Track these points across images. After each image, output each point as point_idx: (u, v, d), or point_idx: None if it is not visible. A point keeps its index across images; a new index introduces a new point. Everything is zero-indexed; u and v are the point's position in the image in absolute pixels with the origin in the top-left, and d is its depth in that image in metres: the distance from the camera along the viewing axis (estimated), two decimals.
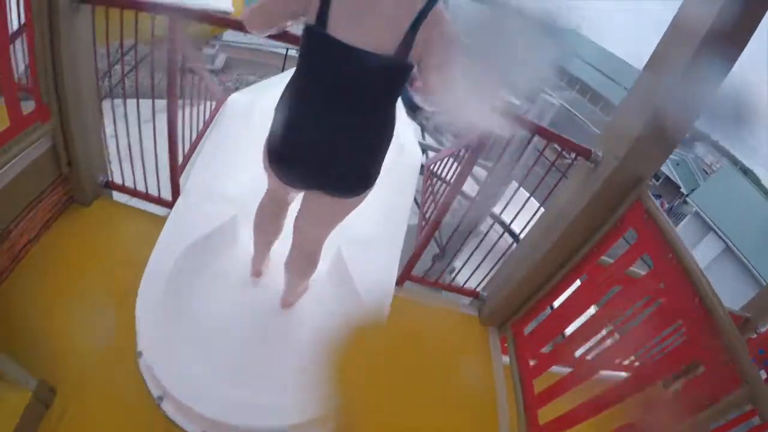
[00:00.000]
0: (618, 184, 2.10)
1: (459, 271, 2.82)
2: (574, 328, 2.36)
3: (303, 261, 2.08)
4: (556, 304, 2.54)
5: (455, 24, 1.46)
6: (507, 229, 2.56)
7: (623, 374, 2.50)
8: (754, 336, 3.34)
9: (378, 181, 1.70)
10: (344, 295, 2.28)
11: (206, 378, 1.75)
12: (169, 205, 2.60)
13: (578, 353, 2.39)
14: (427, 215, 3.16)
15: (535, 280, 2.50)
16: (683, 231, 21.04)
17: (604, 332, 2.37)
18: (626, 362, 2.85)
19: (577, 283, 2.44)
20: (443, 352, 2.63)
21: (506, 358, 2.68)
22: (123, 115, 2.43)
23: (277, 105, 1.62)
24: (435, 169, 4.00)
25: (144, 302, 1.85)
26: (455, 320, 2.83)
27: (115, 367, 1.92)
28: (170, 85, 2.26)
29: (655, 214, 2.00)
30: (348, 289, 2.26)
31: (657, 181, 26.35)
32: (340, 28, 1.41)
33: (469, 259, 2.94)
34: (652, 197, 2.07)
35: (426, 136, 8.85)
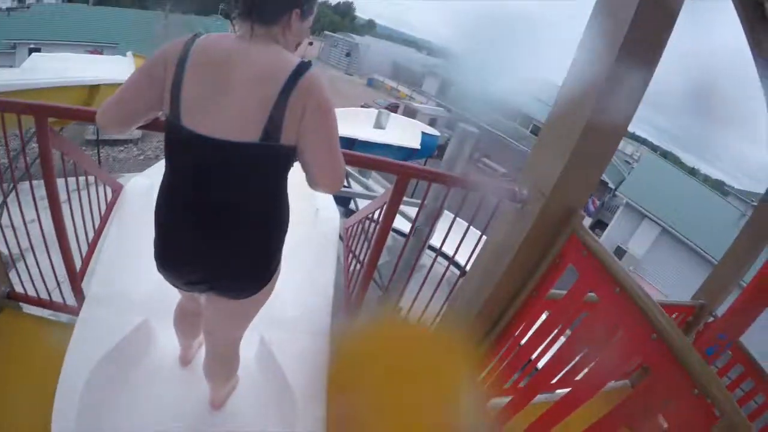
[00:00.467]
0: (549, 220, 2.00)
1: (409, 310, 2.63)
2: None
3: (218, 365, 1.90)
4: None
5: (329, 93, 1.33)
6: (451, 260, 2.42)
7: None
8: (711, 320, 3.35)
9: (294, 255, 1.56)
10: (275, 386, 2.14)
11: None
12: (75, 311, 2.36)
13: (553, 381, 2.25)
14: (356, 267, 2.97)
15: (484, 322, 2.34)
16: (618, 223, 21.94)
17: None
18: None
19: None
20: None
21: None
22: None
23: (156, 201, 1.43)
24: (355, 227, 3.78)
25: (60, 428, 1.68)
26: None
27: None
28: (49, 188, 2.04)
29: (593, 247, 1.91)
30: (277, 377, 2.12)
31: None
32: (193, 117, 1.27)
33: (417, 295, 2.73)
34: (587, 229, 1.98)
35: (350, 181, 8.78)
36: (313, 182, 1.44)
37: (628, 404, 1.79)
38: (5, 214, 2.17)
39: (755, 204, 3.42)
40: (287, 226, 1.50)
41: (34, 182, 2.09)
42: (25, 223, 2.23)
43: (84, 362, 1.88)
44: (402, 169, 2.06)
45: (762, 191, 3.31)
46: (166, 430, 1.92)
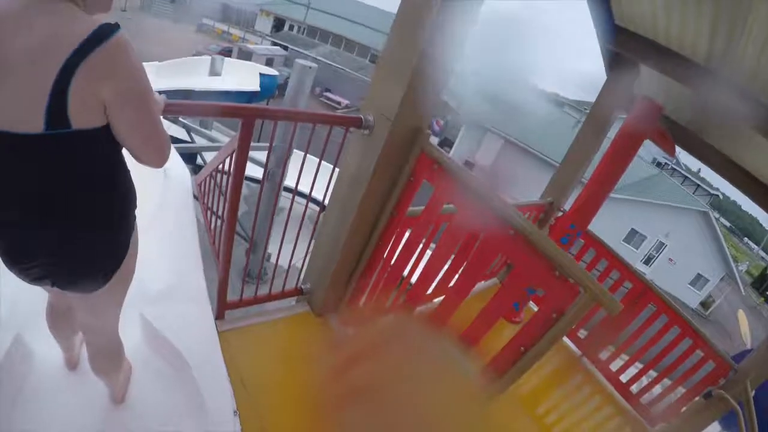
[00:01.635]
0: (398, 142, 2.06)
1: (278, 255, 2.60)
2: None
3: (103, 358, 1.73)
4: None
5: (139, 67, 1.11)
6: (309, 198, 2.41)
7: None
8: (560, 214, 3.75)
9: (150, 222, 1.43)
10: (171, 361, 2.03)
11: None
12: None
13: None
14: (217, 223, 2.85)
15: (352, 252, 2.43)
16: (463, 140, 23.29)
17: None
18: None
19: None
20: (295, 360, 2.40)
21: None
22: None
23: None
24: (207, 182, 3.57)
25: None
26: (293, 326, 2.64)
27: None
28: None
29: (443, 161, 2.00)
30: (171, 352, 2.02)
31: None
32: None
33: (283, 238, 2.68)
34: (435, 146, 2.07)
35: (193, 136, 8.34)
36: (136, 159, 1.25)
37: (500, 296, 1.95)
38: None
39: (587, 111, 3.80)
40: (130, 207, 1.34)
41: None
42: None
43: None
44: (245, 111, 1.95)
45: (592, 100, 3.64)
46: None
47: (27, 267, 1.27)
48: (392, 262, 2.39)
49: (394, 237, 2.33)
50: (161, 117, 1.33)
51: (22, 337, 1.90)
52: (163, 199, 2.57)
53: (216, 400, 1.93)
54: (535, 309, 2.50)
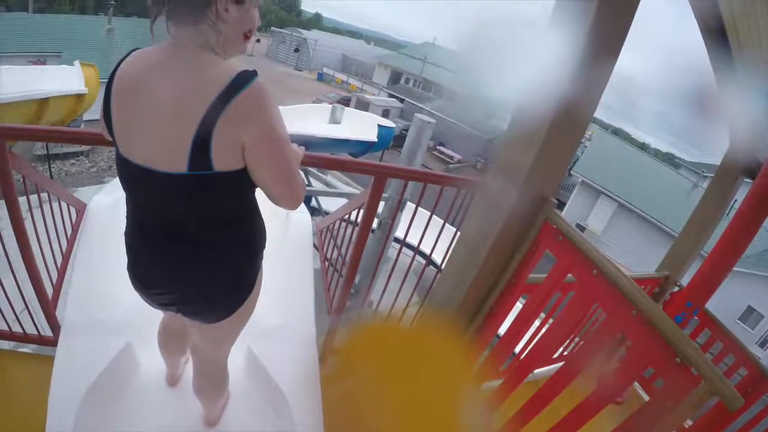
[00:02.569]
0: (522, 210, 2.04)
1: (378, 303, 2.65)
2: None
3: (207, 384, 1.85)
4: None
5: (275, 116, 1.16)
6: (416, 251, 2.45)
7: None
8: (677, 290, 3.49)
9: (269, 261, 1.51)
10: (269, 396, 2.11)
11: None
12: (51, 342, 2.26)
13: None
14: (335, 269, 2.94)
15: (465, 312, 2.35)
16: (576, 201, 22.50)
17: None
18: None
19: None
20: None
21: None
22: None
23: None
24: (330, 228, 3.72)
25: None
26: None
27: None
28: (13, 213, 1.93)
29: (567, 232, 1.97)
30: (270, 387, 2.10)
31: None
32: (127, 145, 1.18)
33: (385, 288, 2.76)
34: (560, 215, 2.04)
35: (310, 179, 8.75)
36: (271, 200, 1.30)
37: (613, 379, 1.84)
38: None
39: (706, 175, 3.58)
40: (259, 247, 1.43)
41: None
42: None
43: (70, 397, 1.81)
44: (379, 169, 2.05)
45: (712, 162, 3.43)
46: None
47: (155, 294, 1.40)
48: (504, 327, 2.34)
49: (510, 303, 2.29)
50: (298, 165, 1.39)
51: (132, 345, 2.08)
52: (284, 240, 2.69)
53: None
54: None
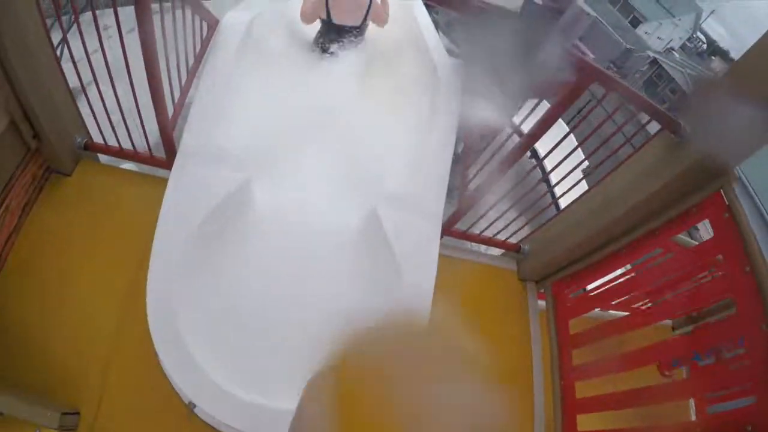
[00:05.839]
0: (700, 166, 1.74)
1: (494, 221, 2.47)
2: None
3: None
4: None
5: None
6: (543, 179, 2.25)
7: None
8: None
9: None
10: (383, 269, 1.97)
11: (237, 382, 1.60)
12: (164, 164, 2.15)
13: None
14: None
15: (591, 243, 2.24)
16: None
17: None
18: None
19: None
20: (481, 307, 2.46)
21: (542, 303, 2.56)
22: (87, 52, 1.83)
23: None
24: None
25: (156, 301, 1.64)
26: (492, 274, 2.59)
27: (136, 370, 1.83)
28: (143, 24, 1.59)
29: (737, 214, 1.69)
30: (387, 260, 1.95)
31: None
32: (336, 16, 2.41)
33: (507, 210, 2.51)
34: (736, 193, 1.72)
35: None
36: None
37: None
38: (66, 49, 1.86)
39: None
40: None
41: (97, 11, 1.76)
42: (106, 62, 1.86)
43: (180, 223, 1.76)
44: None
45: None
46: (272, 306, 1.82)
47: None
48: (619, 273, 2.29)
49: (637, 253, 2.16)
50: None
51: (251, 181, 1.96)
52: (436, 105, 2.38)
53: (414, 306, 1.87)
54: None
